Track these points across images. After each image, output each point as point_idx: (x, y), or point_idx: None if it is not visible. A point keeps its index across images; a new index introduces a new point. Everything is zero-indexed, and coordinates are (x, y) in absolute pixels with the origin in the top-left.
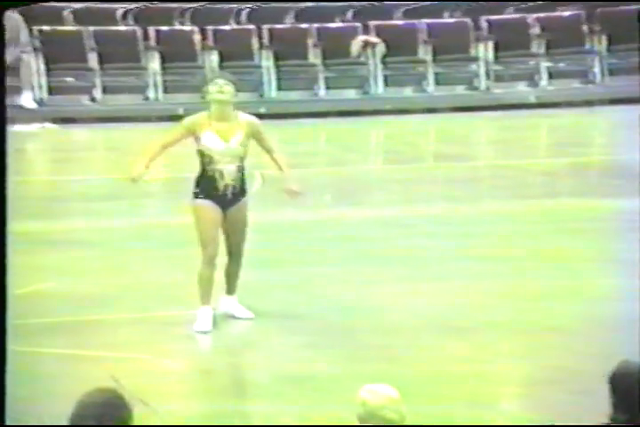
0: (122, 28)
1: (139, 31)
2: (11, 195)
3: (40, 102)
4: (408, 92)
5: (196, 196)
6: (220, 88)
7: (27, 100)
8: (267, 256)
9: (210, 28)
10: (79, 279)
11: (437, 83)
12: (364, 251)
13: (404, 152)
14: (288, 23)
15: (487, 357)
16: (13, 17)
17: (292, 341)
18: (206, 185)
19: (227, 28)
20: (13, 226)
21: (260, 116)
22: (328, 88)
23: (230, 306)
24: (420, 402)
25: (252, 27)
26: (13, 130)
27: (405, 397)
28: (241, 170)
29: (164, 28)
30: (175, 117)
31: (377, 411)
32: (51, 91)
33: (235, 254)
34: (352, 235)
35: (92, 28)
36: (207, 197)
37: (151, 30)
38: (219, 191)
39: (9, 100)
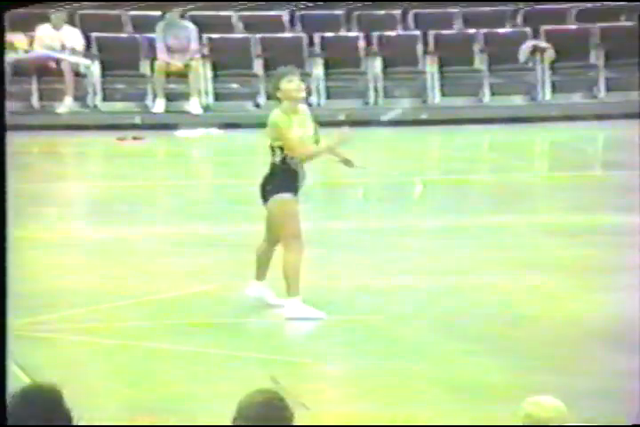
0: (288, 34)
1: (304, 37)
2: (177, 198)
3: (206, 108)
4: (577, 98)
5: (278, 191)
6: (298, 86)
7: (194, 105)
8: (425, 262)
9: (375, 33)
10: (239, 282)
11: (609, 89)
12: (525, 259)
13: (571, 159)
14: (455, 29)
15: None
16: (190, 27)
17: (452, 347)
18: (289, 178)
19: (392, 33)
20: (185, 228)
21: (423, 123)
22: (493, 94)
23: (264, 291)
24: (586, 417)
25: (417, 32)
26: (179, 135)
27: (570, 410)
28: None
29: (329, 34)
30: (336, 123)
31: (543, 424)
32: (217, 97)
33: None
34: (512, 242)
35: (258, 36)
36: (290, 190)
37: (316, 36)
38: (299, 183)
39: (177, 106)
